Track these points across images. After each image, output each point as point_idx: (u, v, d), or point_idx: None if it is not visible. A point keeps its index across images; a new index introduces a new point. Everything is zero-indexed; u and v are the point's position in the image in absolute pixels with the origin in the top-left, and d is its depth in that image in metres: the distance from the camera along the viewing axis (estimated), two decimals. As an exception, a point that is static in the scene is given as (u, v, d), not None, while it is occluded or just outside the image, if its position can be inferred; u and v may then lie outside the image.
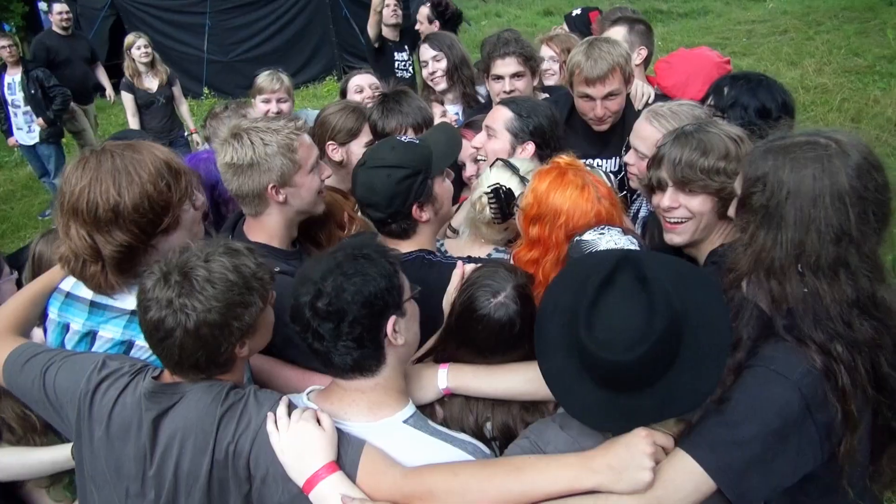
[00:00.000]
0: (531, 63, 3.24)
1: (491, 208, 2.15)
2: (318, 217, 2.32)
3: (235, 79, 10.78)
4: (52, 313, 1.93)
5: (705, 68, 3.28)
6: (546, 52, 3.88)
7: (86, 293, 1.86)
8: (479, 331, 1.74)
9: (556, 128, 2.62)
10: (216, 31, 11.07)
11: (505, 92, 3.17)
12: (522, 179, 2.17)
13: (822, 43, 9.18)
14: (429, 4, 5.26)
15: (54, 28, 7.68)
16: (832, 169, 1.38)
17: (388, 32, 5.74)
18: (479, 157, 2.64)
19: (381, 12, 5.51)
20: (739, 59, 9.12)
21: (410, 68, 5.86)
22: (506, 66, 3.19)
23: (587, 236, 1.81)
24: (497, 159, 2.32)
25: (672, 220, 2.00)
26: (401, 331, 1.57)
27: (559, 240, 1.93)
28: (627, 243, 1.76)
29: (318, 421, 1.52)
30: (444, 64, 3.77)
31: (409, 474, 1.48)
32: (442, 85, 3.80)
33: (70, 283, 1.91)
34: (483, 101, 3.80)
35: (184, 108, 6.91)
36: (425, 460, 1.52)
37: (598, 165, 2.89)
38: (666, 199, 1.98)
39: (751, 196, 1.46)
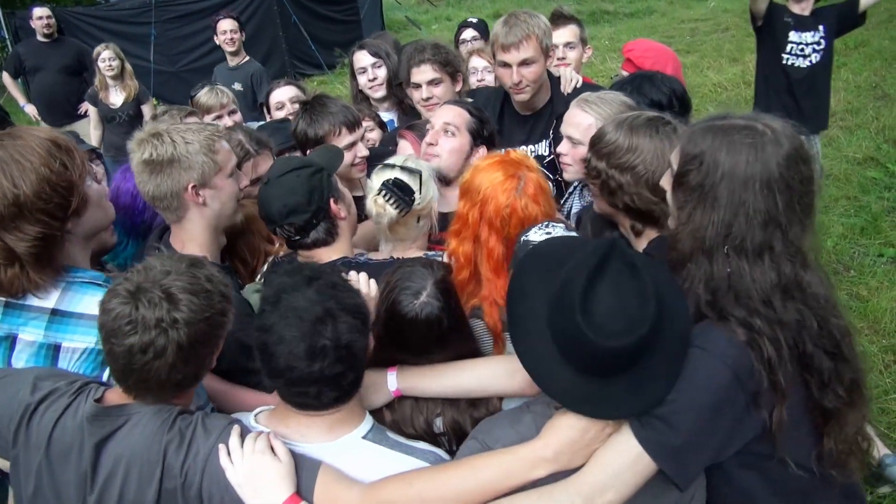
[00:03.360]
0: (448, 69, 3.21)
1: (392, 204, 2.17)
2: (241, 230, 2.30)
3: (184, 89, 10.47)
4: None
5: (667, 52, 3.43)
6: (479, 62, 3.86)
7: None
8: (408, 334, 1.74)
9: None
10: (162, 41, 10.85)
11: (423, 100, 3.17)
12: (405, 170, 2.22)
13: (761, 39, 9.46)
14: None
15: (37, 35, 7.07)
16: (765, 156, 1.41)
17: (796, 5, 4.47)
18: (429, 153, 2.60)
19: None
20: (684, 56, 9.33)
21: (816, 56, 4.44)
22: (421, 73, 3.17)
23: (533, 236, 1.80)
24: (382, 164, 2.35)
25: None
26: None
27: (475, 220, 1.96)
28: None
29: (273, 448, 1.47)
30: (383, 72, 3.69)
31: (365, 492, 1.45)
32: (380, 93, 3.73)
33: None
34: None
35: None
36: (386, 474, 1.49)
37: (531, 151, 2.99)
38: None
39: (687, 173, 1.49)
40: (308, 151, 2.69)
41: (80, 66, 6.99)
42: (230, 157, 2.11)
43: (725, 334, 1.40)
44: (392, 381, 1.75)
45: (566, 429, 1.38)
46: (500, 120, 3.06)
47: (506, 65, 2.88)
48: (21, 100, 7.27)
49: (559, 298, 1.35)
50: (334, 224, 2.13)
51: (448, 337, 1.76)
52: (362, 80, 3.74)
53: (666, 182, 1.63)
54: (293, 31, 11.18)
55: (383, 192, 2.17)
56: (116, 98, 6.21)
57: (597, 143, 2.02)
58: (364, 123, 3.39)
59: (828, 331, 1.44)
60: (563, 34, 3.85)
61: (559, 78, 3.14)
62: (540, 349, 1.37)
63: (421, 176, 2.24)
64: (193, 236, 2.09)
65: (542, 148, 3.06)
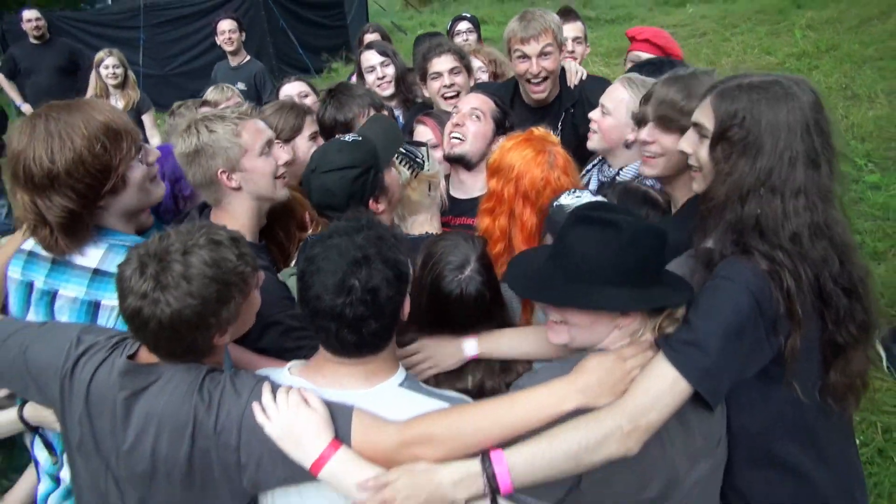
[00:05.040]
0: (465, 61, 3.40)
1: (403, 165, 2.31)
2: (279, 214, 2.32)
3: (173, 92, 10.58)
4: (15, 273, 1.92)
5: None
6: (475, 63, 3.98)
7: (47, 251, 1.85)
8: (454, 310, 1.81)
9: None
10: (151, 45, 10.95)
11: (445, 86, 3.31)
12: (409, 143, 2.39)
13: (737, 44, 9.76)
14: None
15: (29, 38, 7.23)
16: (800, 104, 1.58)
17: None
18: (455, 135, 2.69)
19: None
20: (663, 60, 9.59)
21: None
22: (443, 62, 3.33)
23: (565, 201, 1.91)
24: None
25: (647, 154, 2.17)
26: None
27: (510, 195, 2.08)
28: None
29: (306, 400, 1.52)
30: (391, 70, 3.83)
31: (404, 425, 1.52)
32: (389, 91, 3.84)
33: (31, 243, 1.91)
34: (420, 100, 3.89)
35: (155, 140, 6.16)
36: None
37: None
38: (644, 132, 2.16)
39: (728, 129, 1.61)
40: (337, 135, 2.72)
41: (73, 66, 7.13)
42: (258, 137, 2.15)
43: (749, 265, 1.55)
44: (471, 347, 1.85)
45: (594, 368, 1.52)
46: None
47: (525, 57, 3.05)
48: (17, 99, 7.37)
49: (635, 245, 1.53)
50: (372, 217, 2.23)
51: (490, 309, 1.85)
52: (370, 78, 3.86)
53: (689, 143, 1.76)
54: (280, 36, 11.29)
55: (396, 157, 2.31)
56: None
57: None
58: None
59: (847, 270, 1.59)
60: (573, 29, 4.09)
61: (565, 73, 3.31)
62: (605, 291, 1.52)
63: (426, 146, 2.40)
64: (233, 217, 2.15)
65: None
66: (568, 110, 3.21)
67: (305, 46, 11.45)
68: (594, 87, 3.17)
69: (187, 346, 1.55)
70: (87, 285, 1.83)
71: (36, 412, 1.86)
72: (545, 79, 3.10)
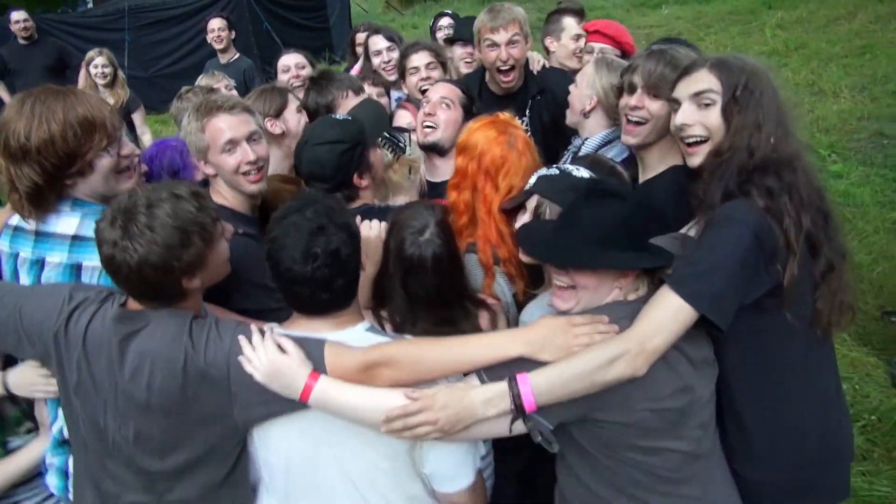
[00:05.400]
0: (440, 58, 3.62)
1: (387, 149, 2.52)
2: (270, 204, 2.42)
3: (157, 94, 10.74)
4: (4, 246, 2.12)
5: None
6: (457, 52, 4.24)
7: (30, 226, 2.03)
8: (417, 272, 1.94)
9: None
10: (136, 47, 11.03)
11: (422, 80, 3.51)
12: (395, 129, 2.61)
13: (711, 43, 10.02)
14: None
15: (18, 38, 7.37)
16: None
17: None
18: (427, 124, 2.84)
19: None
20: (639, 59, 9.85)
21: None
22: (420, 58, 3.56)
23: (581, 174, 2.04)
24: None
25: (633, 120, 2.33)
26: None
27: (474, 171, 2.25)
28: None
29: (280, 346, 1.69)
30: (396, 54, 3.99)
31: (369, 348, 1.71)
32: (395, 75, 3.97)
33: (17, 219, 2.09)
34: None
35: (146, 137, 6.17)
36: None
37: None
38: (633, 99, 2.33)
39: (736, 90, 1.83)
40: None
41: (61, 65, 7.25)
42: (220, 135, 2.28)
43: (747, 204, 1.74)
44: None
45: (544, 326, 1.71)
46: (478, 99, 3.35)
47: (494, 45, 3.24)
48: (7, 99, 7.45)
49: (636, 214, 1.74)
50: (354, 192, 2.41)
51: (450, 272, 2.01)
52: (377, 61, 4.07)
53: (687, 116, 1.91)
54: (264, 37, 11.41)
55: (380, 140, 2.52)
56: None
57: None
58: (373, 89, 3.69)
59: (823, 209, 1.83)
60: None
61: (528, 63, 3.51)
62: (615, 254, 1.70)
63: (409, 133, 2.59)
64: (223, 196, 2.36)
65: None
66: (534, 98, 3.41)
67: (288, 48, 11.54)
68: (556, 78, 3.40)
69: (157, 288, 1.73)
70: (68, 250, 2.00)
71: (23, 379, 2.02)
72: (512, 67, 3.29)
